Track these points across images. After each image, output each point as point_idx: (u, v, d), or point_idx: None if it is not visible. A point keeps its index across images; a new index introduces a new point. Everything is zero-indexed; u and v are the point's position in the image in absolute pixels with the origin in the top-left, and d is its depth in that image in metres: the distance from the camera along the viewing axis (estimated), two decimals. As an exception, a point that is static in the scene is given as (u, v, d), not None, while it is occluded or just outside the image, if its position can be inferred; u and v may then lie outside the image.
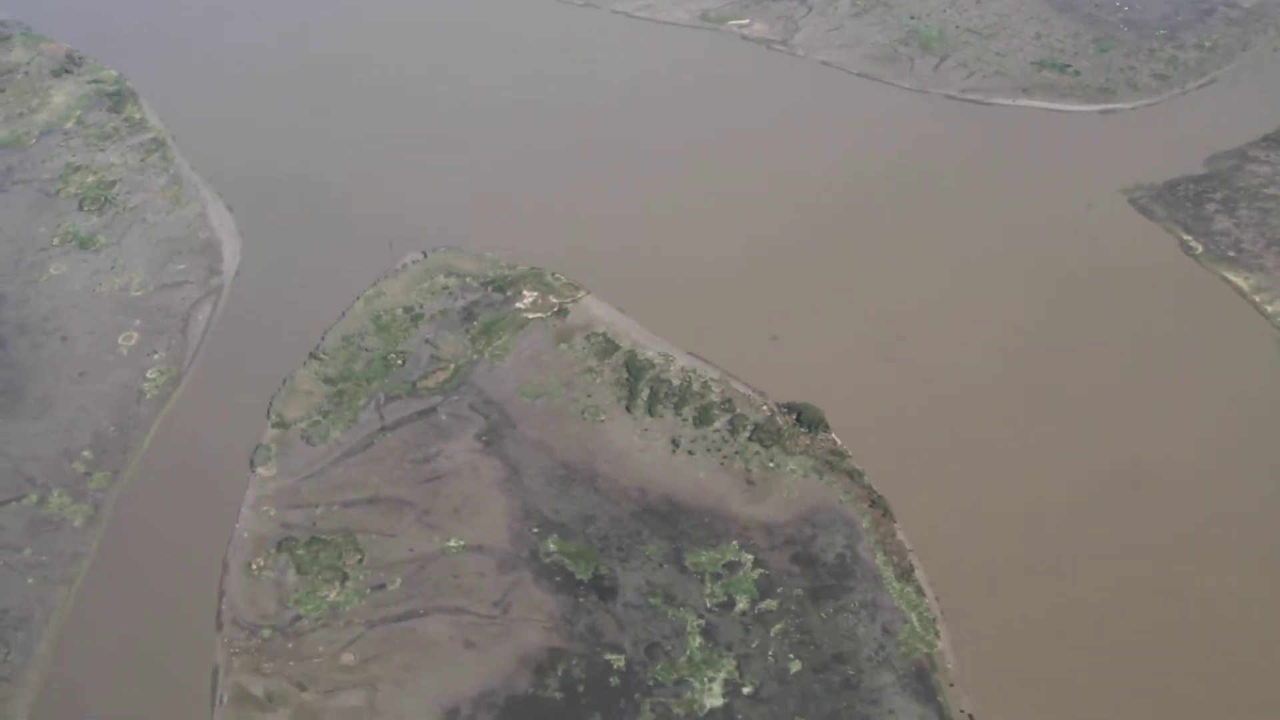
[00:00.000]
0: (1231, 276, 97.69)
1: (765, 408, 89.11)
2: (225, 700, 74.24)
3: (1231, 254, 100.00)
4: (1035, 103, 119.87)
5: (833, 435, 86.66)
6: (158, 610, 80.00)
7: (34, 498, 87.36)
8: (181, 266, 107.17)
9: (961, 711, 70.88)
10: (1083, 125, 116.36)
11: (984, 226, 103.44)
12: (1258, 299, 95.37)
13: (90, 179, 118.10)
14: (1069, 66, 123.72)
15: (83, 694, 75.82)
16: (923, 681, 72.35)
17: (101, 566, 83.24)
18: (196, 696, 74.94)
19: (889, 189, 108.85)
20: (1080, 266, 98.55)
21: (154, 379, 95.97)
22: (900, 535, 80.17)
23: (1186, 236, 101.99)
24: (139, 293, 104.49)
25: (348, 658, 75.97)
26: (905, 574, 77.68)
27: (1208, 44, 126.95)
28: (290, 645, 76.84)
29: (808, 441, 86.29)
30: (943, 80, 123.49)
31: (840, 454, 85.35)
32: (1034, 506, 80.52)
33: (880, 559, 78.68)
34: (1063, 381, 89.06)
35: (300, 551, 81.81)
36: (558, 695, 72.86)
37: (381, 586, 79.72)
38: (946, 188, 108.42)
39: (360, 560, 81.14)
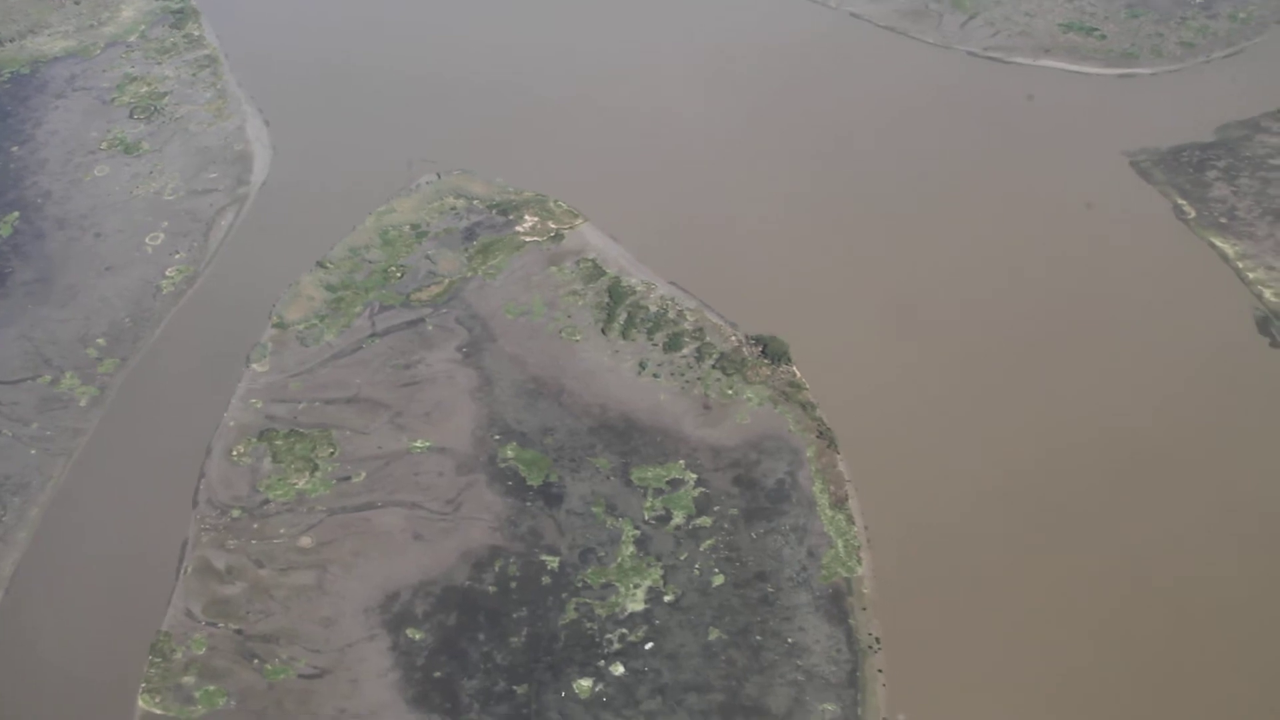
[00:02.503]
0: (1219, 242, 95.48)
1: (734, 338, 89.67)
2: (189, 571, 77.52)
3: (1223, 220, 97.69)
4: (1055, 63, 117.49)
5: (794, 368, 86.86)
6: (143, 486, 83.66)
7: (47, 378, 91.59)
8: (214, 175, 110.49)
9: (869, 634, 71.31)
10: (1099, 88, 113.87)
11: (977, 181, 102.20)
12: (1240, 265, 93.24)
13: (144, 90, 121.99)
14: (1096, 30, 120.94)
15: (64, 556, 79.86)
16: (837, 604, 72.97)
17: (99, 444, 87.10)
18: (165, 566, 78.36)
19: (893, 140, 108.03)
20: (1066, 225, 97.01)
21: (172, 277, 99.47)
22: (841, 466, 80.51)
23: (1181, 201, 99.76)
24: (171, 197, 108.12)
25: (305, 540, 78.77)
26: (839, 503, 78.09)
27: (1242, 15, 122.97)
28: (255, 526, 79.86)
29: (768, 372, 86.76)
30: (967, 37, 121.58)
31: (798, 386, 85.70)
32: (976, 454, 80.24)
33: (818, 487, 79.17)
34: (1028, 337, 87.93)
35: (279, 442, 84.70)
36: (491, 589, 74.92)
37: (347, 479, 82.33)
38: (949, 141, 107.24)
39: (332, 454, 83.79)
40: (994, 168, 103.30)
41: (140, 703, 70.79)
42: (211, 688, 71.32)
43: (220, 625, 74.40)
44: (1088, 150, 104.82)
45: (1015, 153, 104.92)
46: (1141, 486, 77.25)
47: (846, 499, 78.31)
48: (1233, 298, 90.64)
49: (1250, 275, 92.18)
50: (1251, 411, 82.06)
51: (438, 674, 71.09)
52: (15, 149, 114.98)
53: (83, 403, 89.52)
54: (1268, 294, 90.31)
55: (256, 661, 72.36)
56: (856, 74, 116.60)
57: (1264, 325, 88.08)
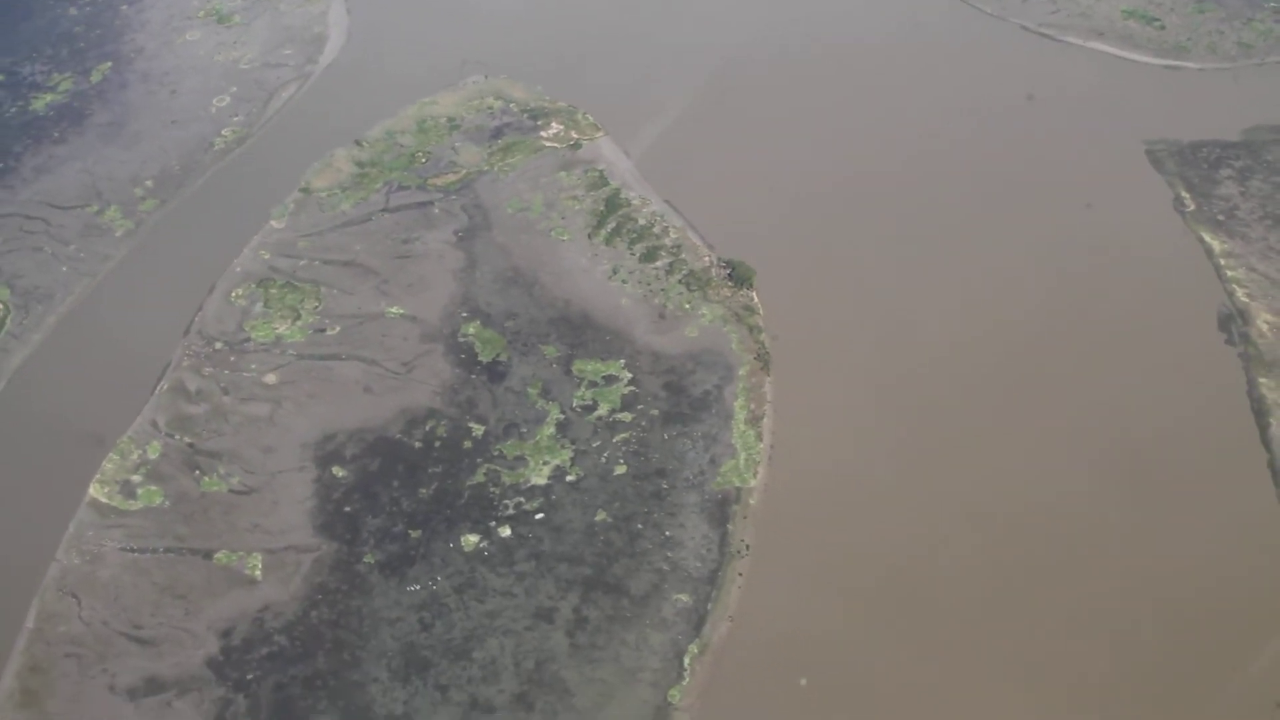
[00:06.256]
0: (1208, 237, 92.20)
1: (707, 258, 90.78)
2: (164, 388, 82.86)
3: (1221, 218, 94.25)
4: (1104, 47, 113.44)
5: (753, 293, 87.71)
6: (148, 311, 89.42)
7: (95, 208, 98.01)
8: (288, 51, 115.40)
9: (742, 540, 72.64)
10: (1141, 76, 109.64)
11: (984, 152, 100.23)
12: (1222, 262, 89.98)
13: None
14: (1156, 20, 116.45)
15: (65, 360, 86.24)
16: (722, 509, 74.35)
17: (123, 270, 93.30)
18: (147, 381, 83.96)
19: (917, 101, 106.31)
20: (1059, 202, 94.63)
21: (225, 136, 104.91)
22: (767, 387, 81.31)
23: (1185, 193, 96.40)
24: (246, 67, 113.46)
25: (270, 378, 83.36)
26: (755, 420, 79.15)
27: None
28: (232, 359, 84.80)
29: (729, 294, 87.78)
30: (1026, 12, 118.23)
31: (751, 310, 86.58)
32: (895, 401, 79.84)
33: (739, 402, 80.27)
34: (985, 308, 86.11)
35: (273, 290, 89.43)
36: (417, 445, 78.40)
37: (322, 330, 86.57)
38: (968, 109, 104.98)
39: (316, 307, 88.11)
40: (1005, 140, 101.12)
41: (91, 489, 76.45)
42: (153, 488, 76.63)
43: (176, 437, 79.59)
44: (1107, 133, 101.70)
45: (1032, 128, 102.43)
46: (1045, 449, 76.41)
47: (762, 417, 79.34)
48: (1203, 293, 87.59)
49: (1229, 273, 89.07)
50: (1184, 402, 79.83)
51: (348, 509, 75.03)
52: (125, 7, 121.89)
53: (118, 233, 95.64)
54: (1240, 293, 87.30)
55: (197, 473, 77.37)
56: (903, 34, 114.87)
57: (1225, 322, 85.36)
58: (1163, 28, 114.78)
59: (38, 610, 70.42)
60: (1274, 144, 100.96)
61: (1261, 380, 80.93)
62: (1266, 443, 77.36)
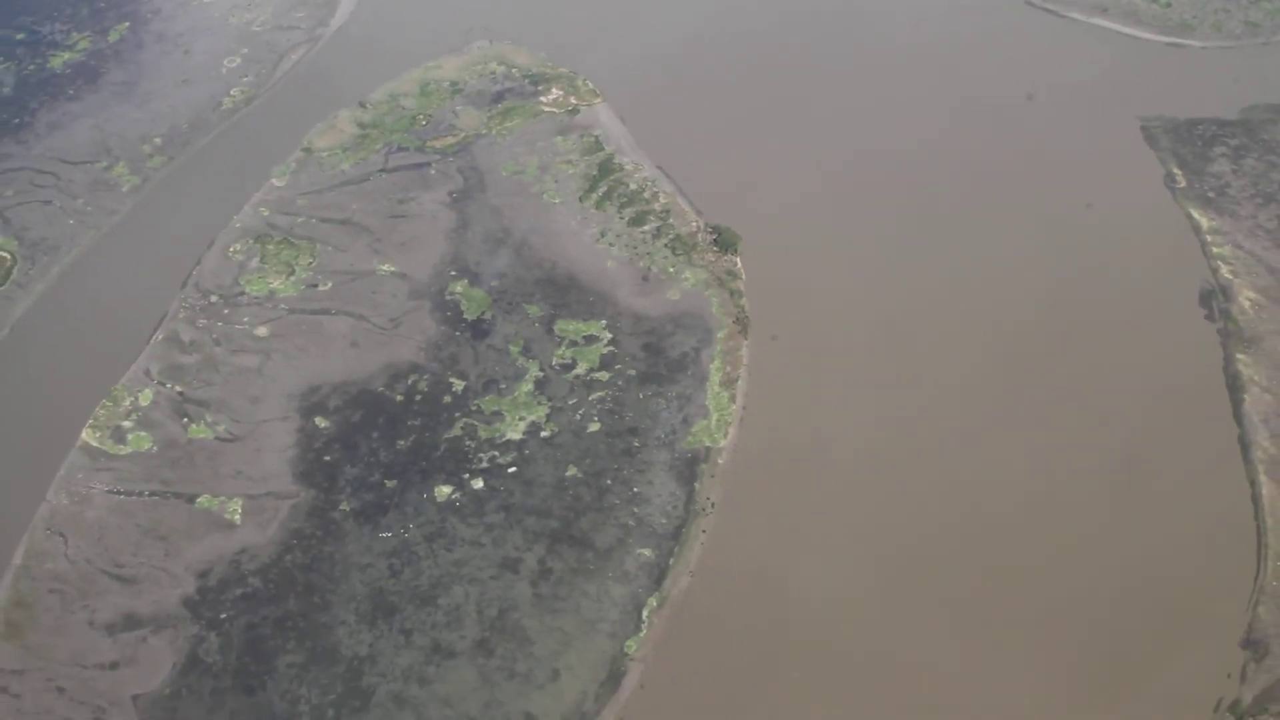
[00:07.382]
0: (1196, 214, 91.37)
1: (694, 223, 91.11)
2: (159, 338, 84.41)
3: (1211, 195, 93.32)
4: (1107, 23, 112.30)
5: (737, 259, 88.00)
6: (149, 264, 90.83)
7: (104, 164, 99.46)
8: (300, 15, 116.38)
9: (708, 498, 73.25)
10: (1143, 52, 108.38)
11: (986, 125, 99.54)
12: (1209, 239, 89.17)
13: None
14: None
15: (67, 310, 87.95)
16: (690, 467, 74.93)
17: (127, 224, 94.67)
18: (143, 331, 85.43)
19: (918, 75, 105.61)
20: (1048, 176, 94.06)
21: (234, 96, 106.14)
22: (743, 351, 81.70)
23: (1177, 170, 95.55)
24: (258, 29, 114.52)
25: (261, 330, 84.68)
26: (729, 382, 79.59)
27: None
28: (226, 311, 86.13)
29: (713, 259, 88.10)
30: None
31: (734, 275, 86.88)
32: (869, 369, 79.94)
33: (715, 365, 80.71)
34: (968, 282, 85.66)
35: (270, 246, 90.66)
36: (399, 398, 79.47)
37: (315, 286, 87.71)
38: (971, 83, 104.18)
39: (310, 263, 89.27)
40: (1001, 115, 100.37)
41: (84, 434, 78.14)
42: (143, 434, 78.22)
43: (167, 386, 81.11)
44: (1104, 110, 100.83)
45: (1030, 104, 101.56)
46: (1017, 420, 76.43)
47: (737, 380, 79.74)
48: (1188, 269, 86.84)
49: (1215, 250, 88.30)
50: (1159, 376, 79.46)
51: (327, 458, 76.27)
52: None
53: (125, 189, 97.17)
54: (1224, 269, 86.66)
55: (185, 420, 78.87)
56: (905, 7, 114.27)
57: (1206, 299, 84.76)
58: (1168, 5, 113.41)
59: (26, 548, 72.23)
60: (1271, 123, 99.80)
61: (1239, 356, 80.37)
62: (1239, 418, 76.70)
